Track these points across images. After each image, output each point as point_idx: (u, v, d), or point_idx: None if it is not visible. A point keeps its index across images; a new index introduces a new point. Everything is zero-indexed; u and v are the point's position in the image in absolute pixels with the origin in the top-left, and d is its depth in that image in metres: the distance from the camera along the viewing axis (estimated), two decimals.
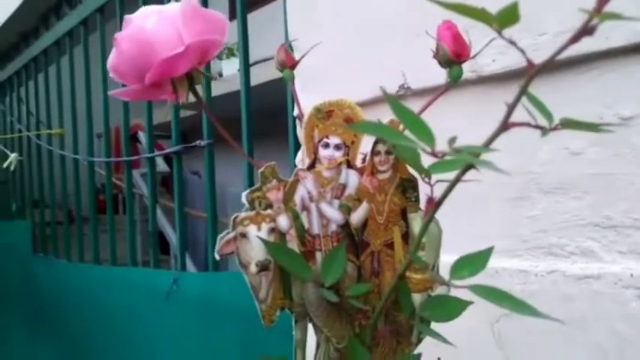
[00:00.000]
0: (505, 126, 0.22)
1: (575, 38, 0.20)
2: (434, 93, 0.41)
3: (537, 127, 0.23)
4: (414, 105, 0.49)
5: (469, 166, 0.23)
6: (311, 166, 0.34)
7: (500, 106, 0.63)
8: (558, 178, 0.61)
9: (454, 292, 0.37)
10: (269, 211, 0.33)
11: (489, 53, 0.62)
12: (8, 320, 2.17)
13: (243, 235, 0.32)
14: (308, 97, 0.75)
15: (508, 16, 0.20)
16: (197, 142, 1.19)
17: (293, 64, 0.40)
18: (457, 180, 0.24)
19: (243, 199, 0.33)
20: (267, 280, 0.33)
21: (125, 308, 1.44)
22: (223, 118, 1.15)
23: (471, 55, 0.36)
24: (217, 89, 2.00)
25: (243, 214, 0.33)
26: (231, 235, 0.33)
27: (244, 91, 1.03)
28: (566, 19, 0.58)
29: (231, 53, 2.49)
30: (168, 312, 1.27)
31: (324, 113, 0.34)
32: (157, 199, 1.44)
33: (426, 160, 0.31)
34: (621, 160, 0.56)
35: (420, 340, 0.38)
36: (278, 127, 1.14)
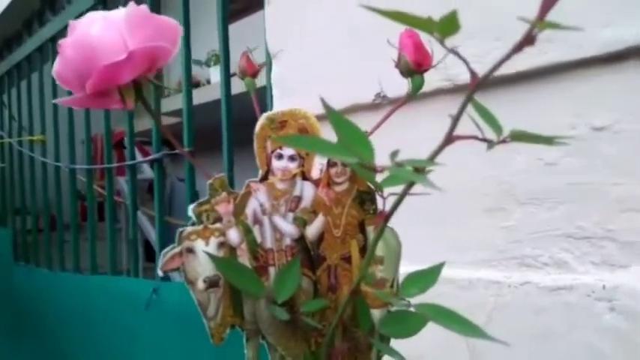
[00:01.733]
0: (449, 139, 0.21)
1: (517, 48, 0.19)
2: (410, 101, 0.40)
3: (484, 140, 0.22)
4: (406, 111, 0.48)
5: (411, 184, 0.23)
6: (264, 178, 0.33)
7: (476, 119, 0.63)
8: (533, 188, 0.60)
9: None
10: (218, 225, 0.32)
11: (463, 63, 0.62)
12: None
13: (190, 250, 0.31)
14: (286, 105, 0.75)
15: (448, 25, 0.19)
16: (178, 150, 1.18)
17: (254, 73, 0.38)
18: (404, 194, 0.23)
19: (190, 213, 0.31)
20: (216, 296, 0.32)
21: (105, 317, 1.42)
22: (212, 125, 1.14)
23: (433, 64, 0.36)
24: (206, 96, 1.99)
25: (189, 229, 0.31)
26: (177, 250, 0.31)
27: (225, 100, 1.03)
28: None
29: (218, 60, 2.47)
30: (149, 321, 1.25)
31: (278, 123, 0.33)
32: (138, 206, 1.43)
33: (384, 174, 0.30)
34: (594, 170, 0.56)
35: (379, 358, 0.37)
36: None
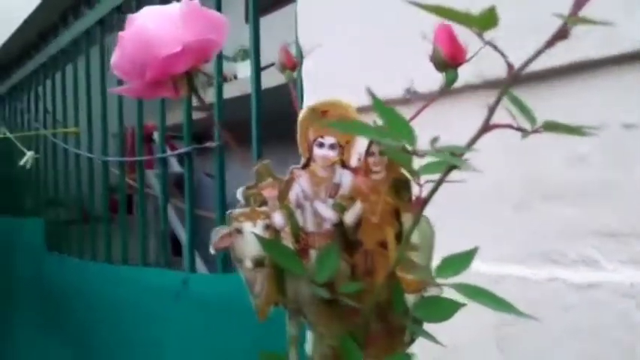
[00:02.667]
0: (486, 127, 0.23)
1: (551, 42, 0.20)
2: (441, 96, 0.42)
3: (519, 129, 0.23)
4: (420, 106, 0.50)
5: (452, 167, 0.24)
6: (305, 165, 0.35)
7: (506, 114, 0.64)
8: (560, 184, 0.61)
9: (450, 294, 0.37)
10: (264, 208, 0.34)
11: (495, 57, 0.62)
12: (20, 316, 2.21)
13: (239, 231, 0.33)
14: (316, 99, 0.76)
15: (487, 20, 0.21)
16: (208, 144, 1.21)
17: (293, 66, 0.40)
18: (441, 180, 0.25)
19: (239, 196, 0.33)
20: (262, 275, 0.34)
21: (135, 307, 1.45)
22: (238, 120, 1.16)
23: (467, 58, 0.37)
24: (232, 91, 2.02)
25: (238, 211, 0.33)
26: (227, 230, 0.33)
27: (255, 94, 1.05)
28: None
29: (246, 55, 2.50)
30: (178, 312, 1.28)
31: (319, 113, 0.34)
32: (168, 199, 1.46)
33: (419, 161, 0.31)
34: (623, 167, 0.56)
35: (413, 340, 0.38)
36: (293, 130, 1.15)
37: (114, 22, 1.48)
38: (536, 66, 0.64)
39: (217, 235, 0.33)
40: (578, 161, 0.60)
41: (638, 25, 0.54)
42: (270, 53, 1.18)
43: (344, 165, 0.35)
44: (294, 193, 0.34)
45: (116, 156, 1.60)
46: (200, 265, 1.86)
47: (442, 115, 0.69)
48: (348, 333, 0.35)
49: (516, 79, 0.22)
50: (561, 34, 0.20)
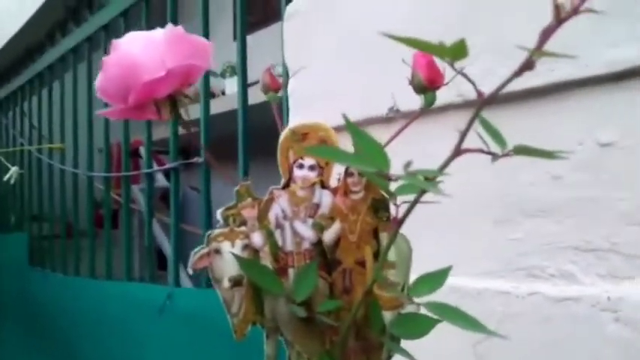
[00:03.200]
0: (457, 152, 0.24)
1: (517, 73, 0.21)
2: (422, 115, 0.43)
3: (489, 153, 0.24)
4: (417, 126, 0.51)
5: (424, 190, 0.25)
6: (285, 186, 0.35)
7: (485, 132, 0.65)
8: (540, 201, 0.62)
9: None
10: (243, 228, 0.34)
11: (473, 79, 0.64)
12: (4, 332, 2.18)
13: (217, 251, 0.34)
14: (301, 118, 0.77)
15: (458, 50, 0.22)
16: (195, 159, 1.21)
17: (277, 88, 0.41)
18: (415, 203, 0.26)
19: (218, 216, 0.34)
20: (240, 295, 0.35)
21: (119, 322, 1.44)
22: (226, 135, 1.16)
23: (444, 83, 0.38)
24: (220, 107, 2.03)
25: (217, 231, 0.34)
26: (205, 250, 0.34)
27: (241, 110, 1.06)
28: (548, 47, 0.60)
29: (234, 71, 2.52)
30: (162, 326, 1.28)
31: (300, 135, 0.35)
32: (154, 214, 1.46)
33: (396, 182, 0.32)
34: (601, 184, 0.58)
35: (390, 357, 0.39)
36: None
37: (101, 40, 1.49)
38: (515, 87, 0.66)
39: (196, 255, 0.34)
40: (556, 179, 0.61)
41: (611, 48, 0.56)
42: (257, 69, 1.19)
43: (323, 185, 0.36)
44: (273, 213, 0.35)
45: (102, 171, 1.60)
46: (185, 280, 1.85)
47: (425, 134, 0.70)
48: (326, 352, 0.36)
49: (487, 103, 0.23)
50: (527, 66, 0.21)
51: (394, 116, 0.76)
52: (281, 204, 0.35)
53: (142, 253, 2.42)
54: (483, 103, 0.23)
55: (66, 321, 1.71)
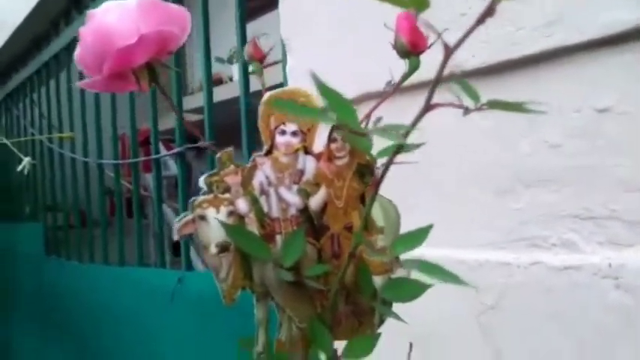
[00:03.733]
0: (428, 107, 0.24)
1: (479, 21, 0.21)
2: (420, 89, 0.42)
3: (460, 106, 0.24)
4: (401, 101, 0.51)
5: (399, 147, 0.25)
6: (268, 153, 0.35)
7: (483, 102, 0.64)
8: (539, 171, 0.62)
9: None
10: (227, 195, 0.34)
11: (469, 48, 0.63)
12: (21, 320, 2.22)
13: (202, 218, 0.34)
14: None
15: (420, 2, 0.21)
16: (199, 143, 1.22)
17: (261, 58, 0.41)
18: (390, 161, 0.26)
19: (201, 184, 0.34)
20: (227, 261, 0.35)
21: (132, 306, 1.46)
22: (233, 122, 1.16)
23: (427, 46, 0.38)
24: (228, 93, 2.02)
25: (201, 198, 0.34)
26: (190, 217, 0.34)
27: (243, 96, 1.06)
28: (543, 13, 0.59)
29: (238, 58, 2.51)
30: (174, 310, 1.29)
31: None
32: (165, 201, 1.47)
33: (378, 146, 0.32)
34: (598, 151, 0.57)
35: (382, 322, 0.39)
36: None
37: None
38: (511, 55, 0.65)
39: (180, 222, 0.34)
40: (555, 147, 0.60)
41: (605, 11, 0.55)
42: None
43: (307, 151, 0.36)
44: (257, 180, 0.35)
45: (112, 159, 1.61)
46: (198, 265, 1.87)
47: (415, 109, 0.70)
48: (317, 315, 0.36)
49: (451, 53, 0.23)
50: (489, 13, 0.21)
51: (391, 90, 0.76)
52: (265, 171, 0.35)
53: (156, 240, 2.45)
54: (449, 54, 0.23)
55: (81, 307, 1.74)
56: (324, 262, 0.37)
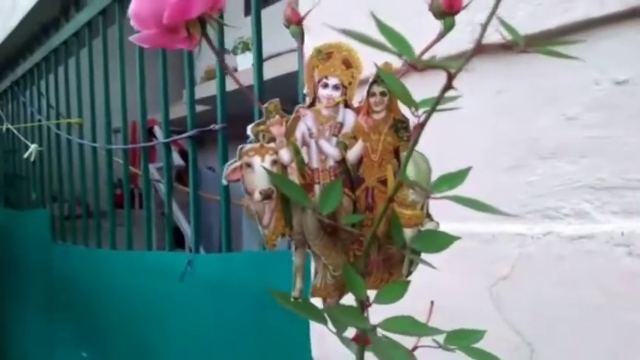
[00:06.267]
0: (479, 48, 0.25)
1: None
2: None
3: (508, 47, 0.25)
4: (418, 78, 0.52)
5: (447, 87, 0.26)
6: (311, 105, 0.37)
7: (499, 77, 0.66)
8: (555, 143, 0.64)
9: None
10: (272, 144, 0.36)
11: (492, 24, 0.65)
12: (29, 304, 2.23)
13: (249, 165, 0.36)
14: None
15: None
16: (212, 126, 1.24)
17: (299, 20, 0.43)
18: (439, 99, 0.27)
19: (249, 132, 0.36)
20: (270, 207, 0.37)
21: (141, 290, 1.48)
22: (239, 113, 1.18)
23: (462, 7, 0.39)
24: (232, 84, 2.03)
25: (248, 146, 0.36)
26: (237, 163, 0.36)
27: (257, 85, 1.07)
28: None
29: (246, 48, 2.53)
30: (184, 293, 1.31)
31: (324, 55, 0.37)
32: (172, 186, 1.48)
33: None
34: (613, 123, 0.59)
35: (410, 273, 0.41)
36: None
37: (114, 13, 1.50)
38: (532, 29, 0.66)
39: (229, 167, 0.36)
40: (571, 119, 0.62)
41: None
42: (268, 46, 1.20)
43: (347, 105, 0.38)
44: (299, 131, 0.37)
45: (120, 151, 1.63)
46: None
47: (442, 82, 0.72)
48: (350, 263, 0.38)
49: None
50: None
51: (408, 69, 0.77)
52: (307, 122, 0.37)
53: (160, 231, 2.47)
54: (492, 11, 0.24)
55: (89, 291, 1.76)
56: (359, 214, 0.39)
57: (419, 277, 0.43)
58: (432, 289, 0.61)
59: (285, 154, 0.37)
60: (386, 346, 0.33)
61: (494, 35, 0.51)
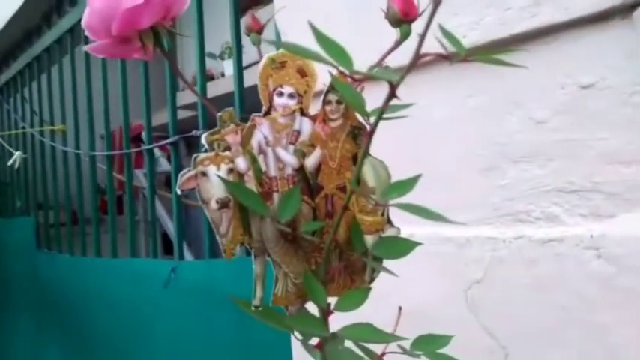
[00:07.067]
0: (418, 56, 0.26)
1: None
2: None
3: (446, 57, 0.26)
4: (385, 86, 0.53)
5: (390, 97, 0.27)
6: (266, 113, 0.37)
7: (470, 82, 0.67)
8: (525, 147, 0.64)
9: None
10: (227, 153, 0.36)
11: (461, 30, 0.66)
12: (15, 312, 2.22)
13: (204, 174, 0.36)
14: None
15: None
16: (193, 132, 1.24)
17: (259, 29, 0.43)
18: (383, 109, 0.27)
19: (203, 141, 0.36)
20: (227, 216, 0.37)
21: (126, 297, 1.47)
22: None
23: (418, 15, 0.40)
24: (220, 89, 2.03)
25: (203, 155, 0.36)
26: (192, 172, 0.36)
27: (237, 91, 1.08)
28: None
29: (232, 53, 2.52)
30: (168, 299, 1.31)
31: (278, 63, 0.37)
32: (158, 195, 1.48)
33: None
34: (581, 126, 0.59)
35: (372, 279, 0.41)
36: None
37: None
38: (500, 34, 0.67)
39: (183, 177, 0.36)
40: (540, 123, 0.63)
41: None
42: (253, 50, 1.20)
43: (303, 113, 0.38)
44: (255, 140, 0.37)
45: (104, 157, 1.62)
46: (189, 258, 1.88)
47: (412, 87, 0.72)
48: (311, 271, 0.38)
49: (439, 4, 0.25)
50: None
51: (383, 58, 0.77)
52: (263, 131, 0.37)
53: (147, 237, 2.46)
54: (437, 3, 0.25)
55: (74, 298, 1.75)
56: (319, 221, 0.39)
57: (395, 282, 0.43)
58: (408, 293, 0.61)
59: (241, 163, 0.37)
60: (342, 354, 0.33)
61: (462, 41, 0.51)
